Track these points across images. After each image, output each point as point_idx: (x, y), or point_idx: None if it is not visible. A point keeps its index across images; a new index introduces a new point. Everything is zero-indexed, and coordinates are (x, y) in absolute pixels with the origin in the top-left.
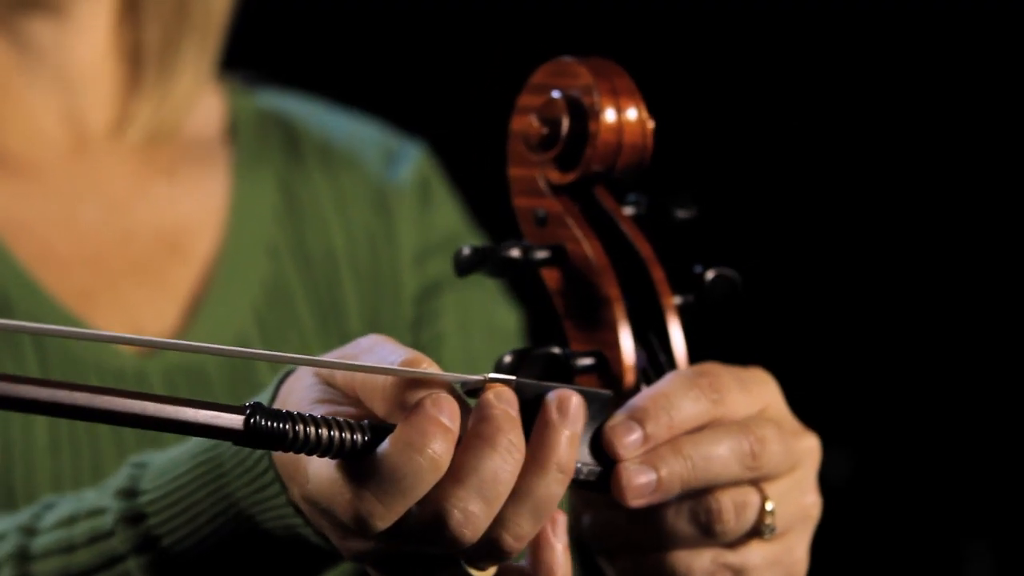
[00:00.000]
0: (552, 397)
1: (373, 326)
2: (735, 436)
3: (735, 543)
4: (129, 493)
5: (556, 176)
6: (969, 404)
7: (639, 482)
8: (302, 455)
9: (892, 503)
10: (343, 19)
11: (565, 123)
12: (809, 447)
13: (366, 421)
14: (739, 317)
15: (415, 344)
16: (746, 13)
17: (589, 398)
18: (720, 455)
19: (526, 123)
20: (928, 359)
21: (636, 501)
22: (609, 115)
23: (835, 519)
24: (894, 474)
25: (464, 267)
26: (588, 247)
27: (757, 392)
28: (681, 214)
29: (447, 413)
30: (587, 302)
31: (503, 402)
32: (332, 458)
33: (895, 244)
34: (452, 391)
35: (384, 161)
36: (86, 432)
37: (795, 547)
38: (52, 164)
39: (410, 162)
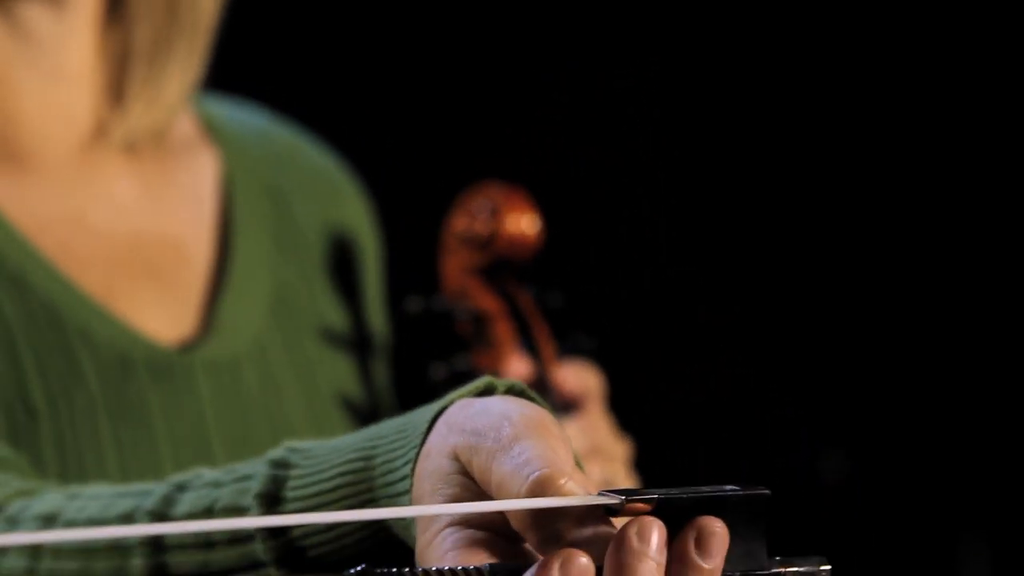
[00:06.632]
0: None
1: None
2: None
3: None
4: (271, 499)
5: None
6: (965, 400)
7: None
8: None
9: (889, 499)
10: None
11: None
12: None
13: (486, 565)
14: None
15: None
16: (750, 14)
17: (742, 502)
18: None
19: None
20: (924, 356)
21: None
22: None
23: (832, 516)
24: (891, 469)
25: (410, 318)
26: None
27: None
28: (551, 303)
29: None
30: (492, 339)
31: (643, 541)
32: None
33: (889, 241)
34: (590, 514)
35: (335, 190)
36: (151, 467)
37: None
38: (59, 163)
39: (357, 198)
